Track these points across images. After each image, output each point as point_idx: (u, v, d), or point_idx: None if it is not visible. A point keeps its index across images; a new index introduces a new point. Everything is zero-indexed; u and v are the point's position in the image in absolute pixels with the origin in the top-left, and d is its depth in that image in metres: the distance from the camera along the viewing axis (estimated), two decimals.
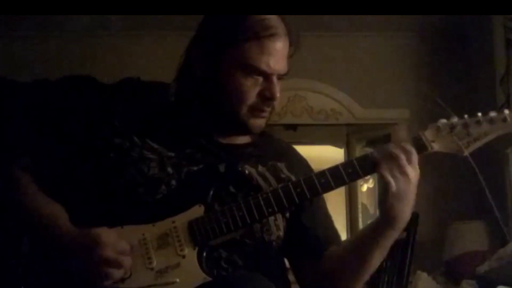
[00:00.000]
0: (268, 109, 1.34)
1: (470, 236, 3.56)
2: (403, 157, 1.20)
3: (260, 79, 1.30)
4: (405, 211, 1.21)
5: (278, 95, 1.32)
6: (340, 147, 4.78)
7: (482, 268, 2.92)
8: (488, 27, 3.61)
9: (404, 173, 1.19)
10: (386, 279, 1.72)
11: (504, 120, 1.24)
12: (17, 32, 4.08)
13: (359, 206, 4.57)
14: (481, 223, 3.60)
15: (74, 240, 1.19)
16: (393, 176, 1.19)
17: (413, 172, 1.20)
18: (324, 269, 1.33)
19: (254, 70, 1.29)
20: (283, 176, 1.36)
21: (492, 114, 1.25)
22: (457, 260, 3.41)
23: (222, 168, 1.30)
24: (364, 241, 1.28)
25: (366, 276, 1.31)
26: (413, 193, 1.21)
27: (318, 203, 1.41)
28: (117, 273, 1.16)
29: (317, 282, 1.35)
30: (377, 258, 1.28)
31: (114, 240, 1.17)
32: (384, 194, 1.20)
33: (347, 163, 1.25)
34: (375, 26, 4.13)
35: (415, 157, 1.21)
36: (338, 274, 1.32)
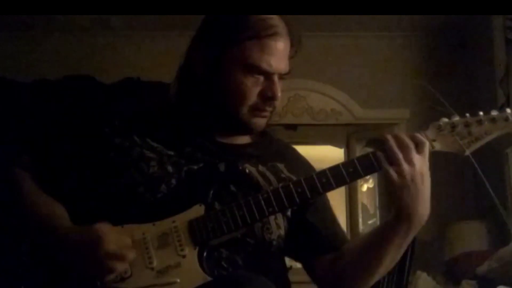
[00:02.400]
0: (269, 109, 1.33)
1: (470, 236, 3.56)
2: (411, 146, 1.18)
3: (261, 78, 1.30)
4: (418, 203, 1.18)
5: (279, 94, 1.31)
6: (340, 147, 4.77)
7: (482, 268, 2.92)
8: (488, 27, 3.61)
9: (411, 163, 1.17)
10: (386, 279, 1.72)
11: (506, 119, 1.24)
12: (17, 32, 4.08)
13: (359, 206, 4.57)
14: (481, 223, 3.60)
15: (76, 237, 1.19)
16: (399, 166, 1.17)
17: (420, 162, 1.18)
18: (340, 266, 1.32)
19: (255, 69, 1.29)
20: (283, 176, 1.36)
21: (494, 113, 1.25)
22: (457, 260, 3.40)
23: (222, 167, 1.30)
24: (378, 238, 1.26)
25: (379, 275, 1.30)
26: (426, 188, 1.19)
27: (324, 201, 1.41)
28: (121, 266, 1.17)
29: (332, 279, 1.34)
30: (392, 257, 1.26)
31: (116, 234, 1.17)
32: (392, 191, 1.18)
33: (348, 163, 1.24)
34: (375, 26, 4.14)
35: (422, 145, 1.19)
36: (352, 272, 1.30)
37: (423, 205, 1.20)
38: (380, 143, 1.22)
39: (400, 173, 1.17)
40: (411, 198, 1.18)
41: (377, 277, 1.30)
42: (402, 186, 1.17)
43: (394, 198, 1.19)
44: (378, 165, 1.22)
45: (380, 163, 1.20)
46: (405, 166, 1.18)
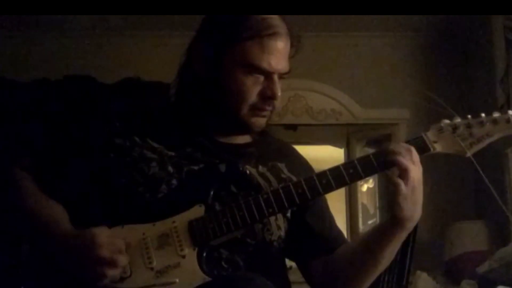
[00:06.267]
0: (269, 108, 1.34)
1: (470, 236, 3.56)
2: (406, 158, 1.20)
3: (261, 78, 1.30)
4: (415, 210, 1.21)
5: (279, 94, 1.31)
6: (340, 147, 4.78)
7: (482, 268, 2.93)
8: (488, 27, 3.61)
9: (408, 173, 1.19)
10: (386, 279, 1.72)
11: (508, 121, 1.24)
12: (17, 32, 4.08)
13: (359, 206, 4.57)
14: (481, 223, 3.60)
15: (71, 240, 1.19)
16: (399, 177, 1.19)
17: (417, 171, 1.20)
18: (334, 268, 1.33)
19: (255, 69, 1.29)
20: (283, 176, 1.36)
21: (496, 115, 1.25)
22: (457, 260, 3.41)
23: (222, 168, 1.30)
24: (375, 241, 1.27)
25: (375, 276, 1.31)
26: (419, 192, 1.20)
27: (322, 203, 1.42)
28: (113, 272, 1.16)
29: (326, 281, 1.35)
30: (387, 258, 1.28)
31: (109, 239, 1.17)
32: (392, 196, 1.19)
33: (348, 164, 1.24)
34: (375, 26, 4.13)
35: (416, 156, 1.21)
36: (347, 274, 1.31)
37: (418, 212, 1.22)
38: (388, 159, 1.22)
39: (409, 184, 1.19)
40: (411, 207, 1.20)
41: (371, 280, 1.32)
42: (406, 196, 1.19)
43: (395, 206, 1.20)
44: (378, 166, 1.22)
45: (384, 169, 1.22)
46: (409, 177, 1.19)
